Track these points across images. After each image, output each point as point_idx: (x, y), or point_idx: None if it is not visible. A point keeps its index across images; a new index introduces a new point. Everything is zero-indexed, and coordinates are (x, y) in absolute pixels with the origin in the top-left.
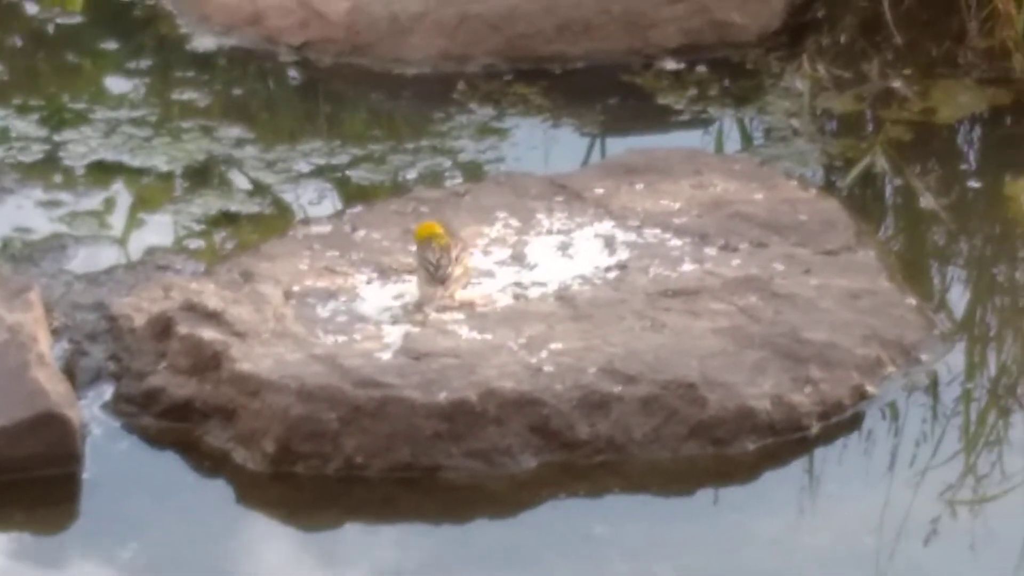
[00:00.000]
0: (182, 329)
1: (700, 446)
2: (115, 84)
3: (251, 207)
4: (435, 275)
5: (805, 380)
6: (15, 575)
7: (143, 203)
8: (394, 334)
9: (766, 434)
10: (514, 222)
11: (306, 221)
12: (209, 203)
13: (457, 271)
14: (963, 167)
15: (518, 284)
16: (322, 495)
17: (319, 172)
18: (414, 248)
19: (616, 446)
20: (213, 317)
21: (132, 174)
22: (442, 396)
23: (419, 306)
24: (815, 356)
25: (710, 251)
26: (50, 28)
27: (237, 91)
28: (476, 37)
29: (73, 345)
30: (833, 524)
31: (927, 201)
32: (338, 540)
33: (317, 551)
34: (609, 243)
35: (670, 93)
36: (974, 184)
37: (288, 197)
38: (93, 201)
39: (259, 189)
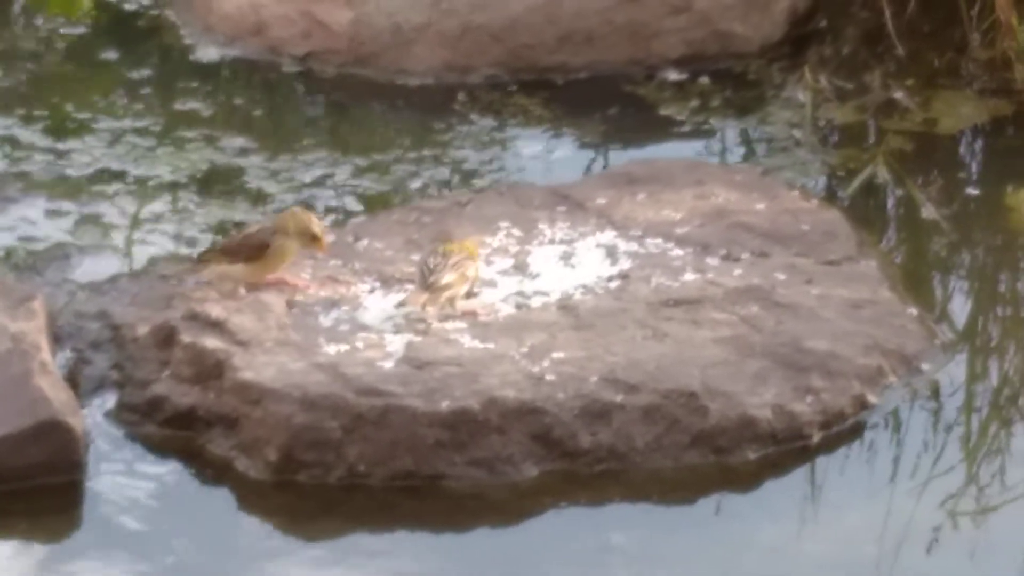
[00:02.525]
0: (185, 338)
1: (702, 455)
2: (119, 94)
3: (254, 217)
4: (425, 279)
5: (806, 389)
6: None
7: (147, 213)
8: (396, 343)
9: (767, 443)
10: (516, 232)
11: None
12: (212, 213)
13: (445, 278)
14: (964, 178)
15: (520, 293)
16: (324, 503)
17: (322, 182)
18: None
19: (618, 455)
20: (216, 326)
21: (136, 183)
22: (444, 405)
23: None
24: (816, 365)
25: (712, 261)
26: (54, 39)
27: (240, 101)
28: (478, 48)
29: (76, 354)
30: (834, 533)
31: (928, 211)
32: (340, 548)
33: (319, 559)
34: (611, 253)
35: (672, 104)
36: (975, 195)
37: (291, 207)
38: (97, 210)
39: (262, 198)
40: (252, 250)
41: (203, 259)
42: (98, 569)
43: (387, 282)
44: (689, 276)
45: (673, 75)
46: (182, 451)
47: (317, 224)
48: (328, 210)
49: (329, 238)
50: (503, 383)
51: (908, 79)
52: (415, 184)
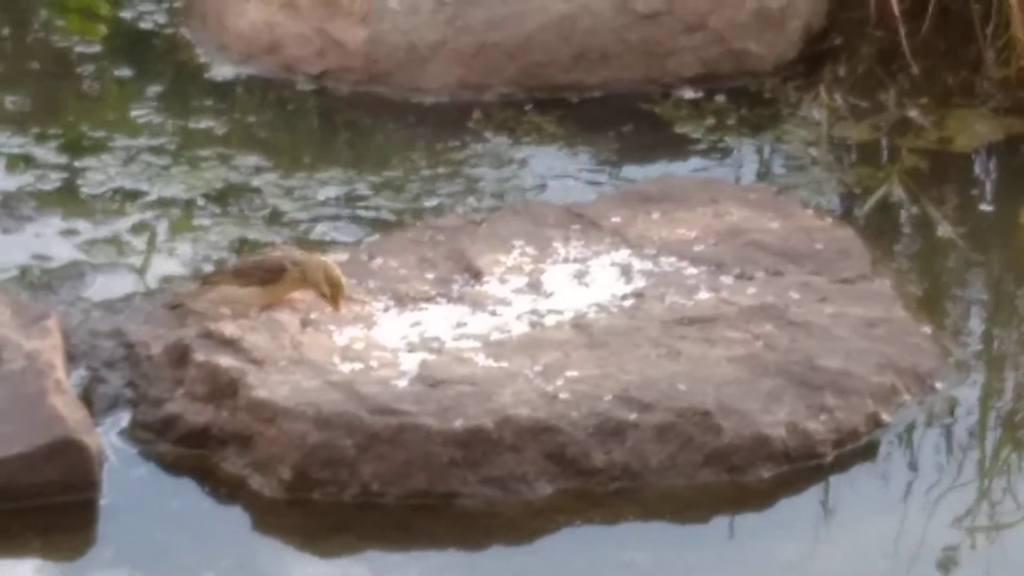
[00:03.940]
0: (199, 356)
1: (715, 473)
2: (134, 112)
3: (269, 235)
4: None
5: (820, 408)
6: None
7: (161, 231)
8: (410, 361)
9: (781, 461)
10: (531, 250)
11: (323, 249)
12: (227, 231)
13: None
14: (979, 196)
15: (534, 312)
16: (339, 522)
17: (337, 200)
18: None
19: (632, 473)
20: (230, 344)
21: (151, 202)
22: (458, 423)
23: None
24: (830, 384)
25: (726, 279)
26: (70, 57)
27: (255, 119)
28: (493, 66)
29: (91, 372)
30: (848, 551)
31: (943, 230)
32: (354, 567)
33: None
34: (625, 271)
35: (688, 122)
36: (990, 213)
37: (306, 225)
38: (111, 229)
39: (277, 217)
40: (268, 273)
41: (211, 281)
42: None
43: (401, 301)
44: (703, 295)
45: (688, 93)
46: (196, 469)
47: (333, 284)
48: (342, 228)
49: (343, 305)
50: (517, 401)
51: (923, 97)
52: (430, 202)
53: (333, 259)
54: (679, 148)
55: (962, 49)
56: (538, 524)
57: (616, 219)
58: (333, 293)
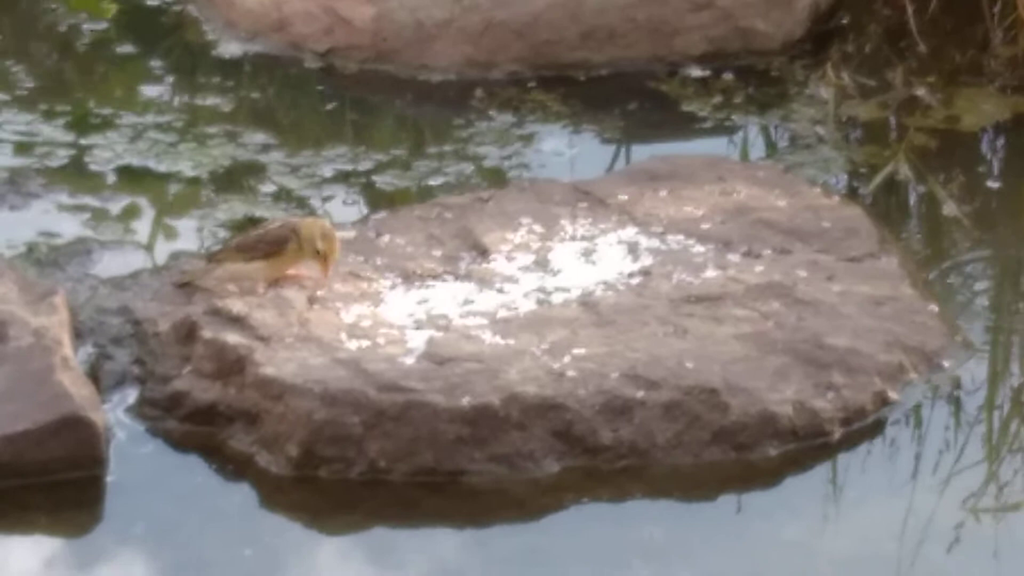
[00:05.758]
0: (206, 333)
1: (722, 451)
2: (141, 90)
3: (276, 212)
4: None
5: (827, 386)
6: None
7: (168, 208)
8: (417, 339)
9: (788, 440)
10: (538, 228)
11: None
12: (234, 208)
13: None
14: (986, 174)
15: (541, 289)
16: (345, 499)
17: (344, 178)
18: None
19: (639, 451)
20: (237, 321)
21: (158, 179)
22: (465, 401)
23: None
24: (837, 362)
25: (733, 257)
26: (77, 34)
27: (262, 97)
28: (501, 44)
29: (98, 349)
30: (855, 530)
31: (950, 208)
32: (361, 544)
33: (340, 555)
34: (632, 249)
35: (695, 100)
36: (997, 191)
37: (313, 202)
38: (118, 206)
39: (284, 194)
40: (270, 246)
41: (216, 259)
42: (118, 564)
43: (409, 278)
44: (710, 272)
45: (696, 72)
46: (203, 446)
47: (327, 240)
48: (349, 206)
49: (333, 262)
50: (524, 379)
51: (930, 76)
52: (436, 180)
53: (341, 235)
54: (686, 126)
55: (969, 28)
56: (545, 502)
57: (623, 197)
58: (325, 249)
